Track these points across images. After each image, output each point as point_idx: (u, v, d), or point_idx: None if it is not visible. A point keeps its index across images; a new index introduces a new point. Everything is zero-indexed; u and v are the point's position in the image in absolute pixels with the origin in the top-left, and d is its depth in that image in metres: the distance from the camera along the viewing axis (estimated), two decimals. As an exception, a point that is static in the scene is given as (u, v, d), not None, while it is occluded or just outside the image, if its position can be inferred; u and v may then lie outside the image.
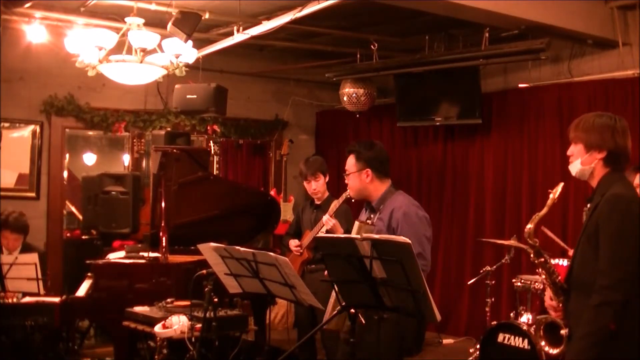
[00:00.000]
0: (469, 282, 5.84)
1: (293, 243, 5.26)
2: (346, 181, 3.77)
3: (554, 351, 2.78)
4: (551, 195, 2.78)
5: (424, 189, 7.53)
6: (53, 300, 4.81)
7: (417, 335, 6.15)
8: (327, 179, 5.24)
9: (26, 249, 5.34)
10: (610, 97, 5.95)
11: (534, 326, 2.84)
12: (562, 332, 2.71)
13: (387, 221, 3.55)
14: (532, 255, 2.82)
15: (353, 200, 3.90)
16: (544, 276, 2.81)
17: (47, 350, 5.08)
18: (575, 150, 2.81)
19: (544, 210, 2.78)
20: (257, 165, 8.48)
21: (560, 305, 2.77)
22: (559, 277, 2.79)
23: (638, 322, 2.61)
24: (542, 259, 2.80)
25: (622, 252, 2.59)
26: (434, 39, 6.56)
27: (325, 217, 4.63)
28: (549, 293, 2.84)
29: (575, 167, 2.82)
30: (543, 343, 2.83)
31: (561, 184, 2.83)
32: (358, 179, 3.67)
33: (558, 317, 2.78)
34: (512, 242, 5.21)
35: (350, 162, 3.71)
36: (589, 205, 2.78)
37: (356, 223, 3.56)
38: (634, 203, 2.66)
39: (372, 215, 3.63)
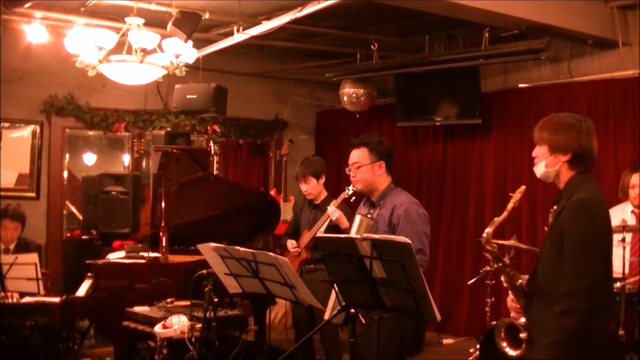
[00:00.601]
0: (469, 282, 5.84)
1: (290, 244, 5.26)
2: (352, 173, 3.74)
3: (514, 353, 2.76)
4: (511, 201, 2.74)
5: (424, 189, 7.53)
6: (53, 300, 4.82)
7: (417, 335, 6.16)
8: (322, 180, 5.25)
9: (23, 243, 5.38)
10: (610, 97, 5.95)
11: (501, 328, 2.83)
12: (522, 335, 2.68)
13: (388, 218, 3.56)
14: (490, 260, 2.78)
15: (352, 200, 3.90)
16: (504, 279, 2.77)
17: (47, 350, 5.08)
18: (539, 152, 2.77)
19: (504, 215, 2.74)
20: (257, 165, 8.48)
21: (520, 307, 2.75)
22: (520, 281, 2.76)
23: (604, 328, 2.59)
24: (500, 264, 2.76)
25: (587, 258, 2.55)
26: (434, 39, 6.56)
27: (331, 208, 4.62)
28: (511, 295, 2.82)
29: (539, 170, 2.77)
30: (504, 344, 2.80)
31: (523, 187, 2.78)
32: (371, 171, 3.67)
33: (520, 319, 2.75)
34: (512, 242, 5.20)
35: (362, 154, 3.69)
36: (555, 207, 2.74)
37: (357, 216, 3.55)
38: (599, 207, 2.63)
39: (371, 210, 3.63)
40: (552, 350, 2.52)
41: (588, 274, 2.55)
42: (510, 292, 2.78)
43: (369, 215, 3.52)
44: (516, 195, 2.75)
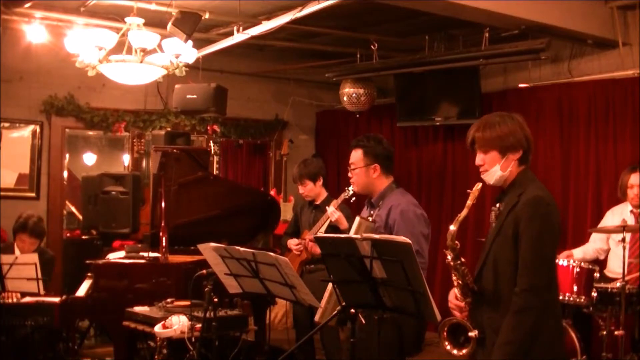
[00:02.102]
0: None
1: (293, 242, 5.26)
2: (350, 175, 3.75)
3: (460, 353, 2.72)
4: (469, 198, 2.72)
5: (424, 189, 7.53)
6: (53, 300, 4.81)
7: (417, 335, 6.15)
8: (319, 182, 5.25)
9: (41, 253, 5.29)
10: (610, 97, 5.94)
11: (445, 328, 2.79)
12: (472, 334, 2.64)
13: (385, 218, 3.56)
14: (450, 257, 2.73)
15: (352, 200, 3.90)
16: (455, 277, 2.74)
17: (47, 350, 5.08)
18: (488, 158, 2.73)
19: (464, 212, 2.72)
20: (257, 165, 8.49)
21: (466, 305, 2.71)
22: (471, 279, 2.73)
23: (555, 323, 2.59)
24: (459, 262, 2.73)
25: (543, 256, 2.55)
26: (434, 39, 6.56)
27: (331, 209, 4.63)
28: (454, 293, 2.78)
29: (494, 175, 2.73)
30: (447, 345, 2.76)
31: (479, 184, 2.74)
32: (365, 173, 3.67)
33: (464, 318, 2.72)
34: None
35: (357, 156, 3.69)
36: (498, 205, 2.72)
37: (357, 219, 3.55)
38: (552, 205, 2.63)
39: (372, 212, 3.63)
40: (510, 349, 2.51)
41: (545, 271, 2.56)
42: (457, 289, 2.75)
43: (369, 218, 3.52)
44: (474, 193, 2.72)
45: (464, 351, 2.68)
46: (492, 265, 2.68)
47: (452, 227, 2.72)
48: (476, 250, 7.19)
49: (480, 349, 2.67)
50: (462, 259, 2.74)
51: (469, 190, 2.73)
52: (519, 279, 2.55)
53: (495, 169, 2.73)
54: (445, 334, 2.74)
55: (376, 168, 3.67)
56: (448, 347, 2.74)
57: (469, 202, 2.71)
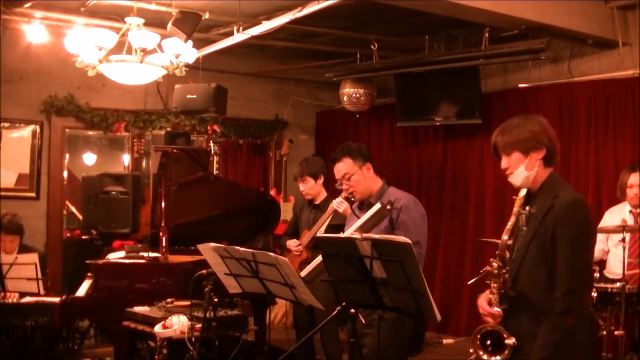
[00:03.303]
0: (469, 282, 5.82)
1: (293, 243, 5.27)
2: (345, 187, 3.75)
3: (495, 359, 2.69)
4: (515, 205, 2.70)
5: (424, 189, 7.52)
6: (53, 300, 4.82)
7: (417, 335, 6.16)
8: (320, 181, 5.26)
9: (24, 250, 5.34)
10: (610, 97, 5.94)
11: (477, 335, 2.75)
12: (509, 341, 2.60)
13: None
14: (495, 265, 2.69)
15: (353, 200, 3.87)
16: (494, 284, 2.70)
17: (47, 350, 5.08)
18: (512, 160, 2.73)
19: (512, 219, 2.70)
20: (257, 165, 8.48)
21: (500, 312, 2.68)
22: (509, 285, 2.70)
23: (587, 324, 2.66)
24: (504, 270, 2.70)
25: (582, 258, 2.57)
26: (434, 39, 6.56)
27: (338, 200, 4.60)
28: (486, 299, 2.74)
29: (519, 176, 2.72)
30: (481, 353, 2.72)
31: (524, 190, 2.73)
32: (362, 176, 3.70)
33: (497, 324, 2.68)
34: (511, 242, 5.20)
35: (347, 164, 3.72)
36: (528, 209, 2.71)
37: (378, 204, 3.47)
38: (588, 208, 2.65)
39: (391, 202, 3.56)
40: (550, 351, 2.51)
41: (583, 272, 2.57)
42: (493, 296, 2.71)
43: (388, 207, 3.46)
44: (519, 199, 2.72)
45: (498, 358, 2.64)
46: (529, 269, 2.66)
47: (505, 237, 2.69)
48: (476, 250, 7.23)
49: (517, 356, 2.64)
50: (507, 267, 2.70)
51: (514, 197, 2.73)
52: (559, 282, 2.55)
53: (520, 170, 2.72)
54: (478, 341, 2.71)
55: (369, 167, 3.72)
56: (481, 354, 2.70)
57: (515, 209, 2.70)
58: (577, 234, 2.56)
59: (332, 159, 3.81)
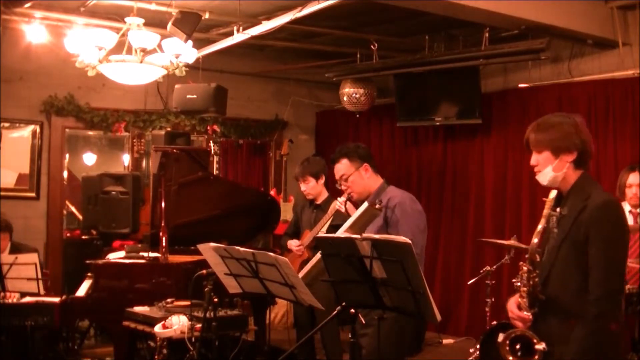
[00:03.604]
0: (469, 282, 5.84)
1: (294, 243, 5.26)
2: (344, 187, 3.77)
3: None
4: (545, 207, 2.63)
5: (424, 189, 7.52)
6: (53, 300, 4.82)
7: (417, 335, 6.16)
8: (321, 180, 5.25)
9: (16, 247, 5.34)
10: (610, 97, 5.94)
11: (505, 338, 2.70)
12: (539, 347, 2.54)
13: (383, 212, 3.56)
14: (525, 268, 2.63)
15: (352, 200, 3.88)
16: (524, 288, 2.64)
17: (47, 350, 5.08)
18: (541, 159, 2.68)
19: (542, 222, 2.64)
20: (257, 165, 8.48)
21: (530, 316, 2.62)
22: (539, 289, 2.64)
23: (620, 327, 2.56)
24: (534, 274, 2.64)
25: (616, 261, 2.52)
26: (434, 39, 6.56)
27: (341, 200, 4.55)
28: (515, 302, 2.68)
29: (546, 176, 2.68)
30: (511, 358, 2.67)
31: (554, 192, 2.68)
32: (359, 176, 3.73)
33: (526, 329, 2.63)
34: (512, 242, 5.21)
35: (345, 165, 3.75)
36: (559, 210, 2.66)
37: (365, 204, 3.49)
38: (621, 209, 2.61)
39: (380, 200, 3.58)
40: (588, 357, 2.46)
41: (618, 275, 2.52)
42: (522, 300, 2.64)
43: (377, 206, 3.47)
44: (550, 201, 2.66)
45: None
46: (561, 272, 2.60)
47: (535, 240, 2.61)
48: (476, 250, 7.22)
49: None
50: (537, 271, 2.64)
51: (544, 199, 2.67)
52: (593, 285, 2.49)
53: (548, 170, 2.68)
54: (507, 347, 2.67)
55: (366, 167, 3.74)
56: (510, 359, 2.66)
57: (546, 212, 2.64)
58: (611, 236, 2.51)
59: (331, 160, 3.84)
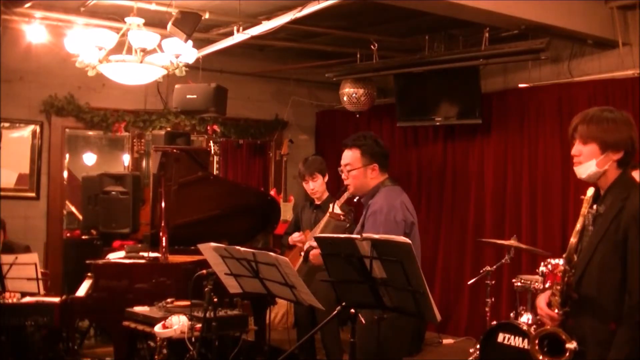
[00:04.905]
0: (469, 282, 5.84)
1: (295, 236, 5.18)
2: (344, 176, 3.62)
3: None
4: (583, 206, 2.52)
5: (424, 189, 7.53)
6: (53, 300, 4.82)
7: (417, 335, 6.16)
8: (326, 179, 5.24)
9: (8, 246, 5.33)
10: (610, 97, 5.94)
11: (534, 326, 2.66)
12: (570, 345, 2.46)
13: (363, 216, 3.50)
14: (562, 267, 2.55)
15: (355, 200, 3.83)
16: (558, 286, 2.55)
17: (47, 350, 5.08)
18: (586, 151, 2.54)
19: (580, 220, 2.54)
20: (257, 165, 8.49)
21: (560, 315, 2.56)
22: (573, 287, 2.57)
23: None
24: (570, 273, 2.55)
25: None
26: (434, 39, 6.57)
27: (335, 209, 4.50)
28: (545, 299, 2.62)
29: (587, 169, 2.55)
30: (539, 355, 2.62)
31: (592, 189, 2.57)
32: (363, 174, 3.54)
33: (555, 327, 2.56)
34: (512, 242, 5.21)
35: (354, 156, 3.55)
36: (596, 207, 2.56)
37: (326, 216, 3.44)
38: None
39: (350, 210, 3.51)
40: None
41: None
42: (554, 298, 2.56)
43: (341, 217, 3.39)
44: (587, 200, 2.55)
45: None
46: (597, 272, 2.50)
47: (573, 240, 2.53)
48: (476, 250, 7.22)
49: None
50: (573, 270, 2.56)
51: (582, 197, 2.56)
52: (634, 290, 2.40)
53: (590, 163, 2.55)
54: (536, 345, 2.57)
55: (374, 168, 3.54)
56: (540, 358, 2.60)
57: (584, 210, 2.54)
58: None
59: (343, 144, 3.62)
